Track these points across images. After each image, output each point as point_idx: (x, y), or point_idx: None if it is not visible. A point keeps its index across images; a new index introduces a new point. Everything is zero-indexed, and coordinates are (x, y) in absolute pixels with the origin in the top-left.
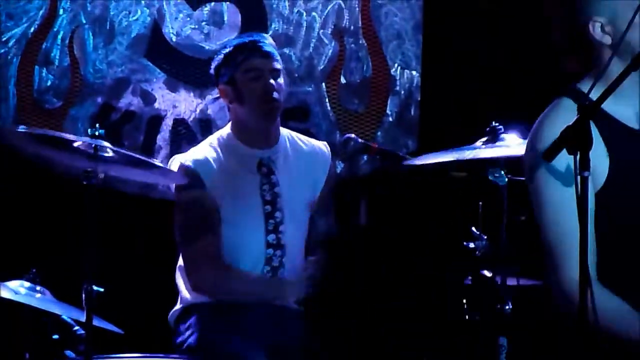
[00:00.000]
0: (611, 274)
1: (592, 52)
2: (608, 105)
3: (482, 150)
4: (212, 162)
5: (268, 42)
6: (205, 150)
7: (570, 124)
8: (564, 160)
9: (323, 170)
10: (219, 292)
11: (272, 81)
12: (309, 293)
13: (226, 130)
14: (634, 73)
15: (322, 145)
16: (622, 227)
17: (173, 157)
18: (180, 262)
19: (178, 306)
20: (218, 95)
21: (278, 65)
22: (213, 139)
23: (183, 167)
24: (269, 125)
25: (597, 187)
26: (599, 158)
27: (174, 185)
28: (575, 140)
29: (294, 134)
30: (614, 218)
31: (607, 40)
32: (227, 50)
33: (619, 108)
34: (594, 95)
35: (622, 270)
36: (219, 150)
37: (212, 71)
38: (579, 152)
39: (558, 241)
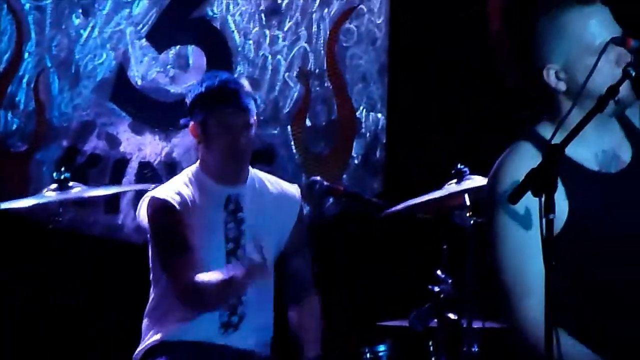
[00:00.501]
0: (567, 317)
1: (547, 97)
2: (567, 148)
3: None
4: (184, 195)
5: (246, 90)
6: (176, 184)
7: (536, 166)
8: (523, 202)
9: (292, 213)
10: (208, 297)
11: (243, 137)
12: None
13: (195, 165)
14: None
15: (293, 188)
16: (579, 267)
17: (144, 196)
18: (150, 304)
19: (142, 347)
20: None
21: (252, 120)
22: (183, 174)
23: (155, 199)
24: (233, 171)
25: (556, 229)
26: (558, 201)
27: (146, 221)
28: (540, 182)
29: (264, 175)
30: (570, 259)
31: (562, 86)
32: (205, 88)
33: (578, 150)
34: (553, 141)
35: (578, 314)
36: (189, 185)
37: (187, 102)
38: (544, 195)
39: (517, 282)
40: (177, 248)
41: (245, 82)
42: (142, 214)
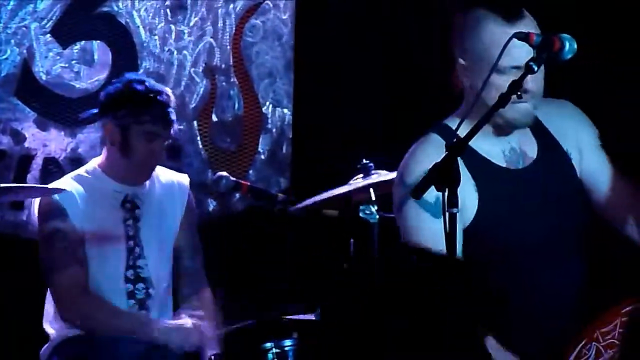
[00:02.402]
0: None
1: (460, 91)
2: (476, 144)
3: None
4: (75, 195)
5: (172, 101)
6: (69, 183)
7: (438, 161)
8: (434, 193)
9: (182, 199)
10: (88, 322)
11: (163, 149)
12: (182, 347)
13: (93, 164)
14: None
15: (182, 177)
16: (489, 259)
17: None
18: (49, 299)
19: (48, 343)
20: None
21: (173, 131)
22: (77, 173)
23: (47, 200)
24: (142, 177)
25: (466, 222)
26: (468, 194)
27: (36, 218)
28: (443, 177)
29: (157, 169)
30: (481, 252)
31: (467, 82)
32: (133, 94)
33: (486, 146)
34: (463, 132)
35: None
36: (84, 184)
37: (102, 97)
38: (447, 189)
39: None
40: (61, 262)
41: (169, 90)
42: (35, 211)
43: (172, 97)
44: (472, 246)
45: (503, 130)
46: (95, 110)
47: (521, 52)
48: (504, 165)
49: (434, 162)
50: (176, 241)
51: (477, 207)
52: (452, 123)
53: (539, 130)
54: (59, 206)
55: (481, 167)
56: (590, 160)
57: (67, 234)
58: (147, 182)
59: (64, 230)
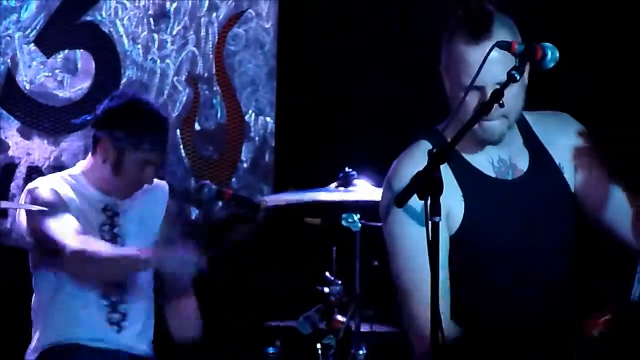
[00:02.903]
0: (465, 314)
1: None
2: (465, 152)
3: (337, 194)
4: (64, 190)
5: (168, 127)
6: (56, 179)
7: (421, 169)
8: (420, 201)
9: (162, 202)
10: (92, 259)
11: (153, 172)
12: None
13: (76, 170)
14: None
15: (161, 183)
16: (475, 269)
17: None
18: (33, 311)
19: (33, 353)
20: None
21: (164, 155)
22: (62, 174)
23: (33, 188)
24: (127, 194)
25: (452, 230)
26: (455, 202)
27: (23, 215)
28: (425, 186)
29: None
30: (466, 260)
31: (447, 87)
32: (135, 116)
33: (476, 156)
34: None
35: (475, 309)
36: (68, 185)
37: (101, 112)
38: (429, 198)
39: (412, 288)
40: (58, 215)
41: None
42: (22, 213)
43: (167, 119)
44: (458, 255)
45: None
46: (89, 117)
47: (498, 68)
48: (492, 175)
49: (416, 173)
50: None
51: (462, 215)
52: (445, 130)
53: (531, 143)
54: (57, 194)
55: (469, 176)
56: (585, 174)
57: (58, 202)
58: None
59: (56, 201)
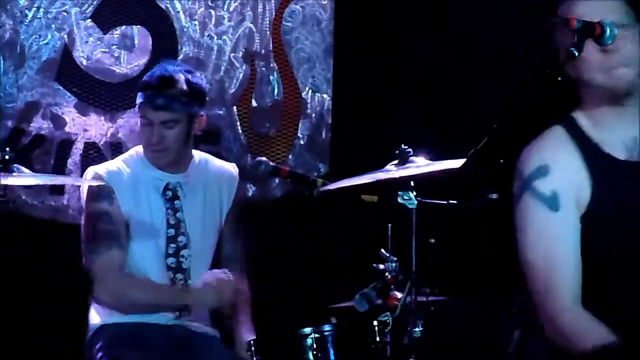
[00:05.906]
0: (593, 298)
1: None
2: (595, 134)
3: (396, 172)
4: (125, 176)
5: (170, 91)
6: (119, 164)
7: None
8: (550, 185)
9: (229, 192)
10: (121, 300)
11: (162, 131)
12: (219, 304)
13: (137, 149)
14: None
15: (230, 167)
16: (602, 253)
17: (88, 168)
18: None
19: (89, 332)
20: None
21: (171, 116)
22: (127, 155)
23: (97, 176)
24: (160, 163)
25: (582, 210)
26: (582, 183)
27: (84, 196)
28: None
29: (207, 157)
30: (594, 243)
31: (572, 73)
32: (143, 79)
33: (606, 137)
34: (584, 124)
35: (603, 295)
36: (132, 167)
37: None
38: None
39: (546, 261)
40: (102, 243)
41: (181, 77)
42: (83, 188)
43: (180, 84)
44: (589, 235)
45: (619, 102)
46: None
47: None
48: (622, 157)
49: (551, 156)
50: (220, 232)
51: (590, 197)
52: (579, 117)
53: None
54: (108, 187)
55: (597, 158)
56: None
57: (111, 214)
58: (192, 172)
59: (110, 213)
